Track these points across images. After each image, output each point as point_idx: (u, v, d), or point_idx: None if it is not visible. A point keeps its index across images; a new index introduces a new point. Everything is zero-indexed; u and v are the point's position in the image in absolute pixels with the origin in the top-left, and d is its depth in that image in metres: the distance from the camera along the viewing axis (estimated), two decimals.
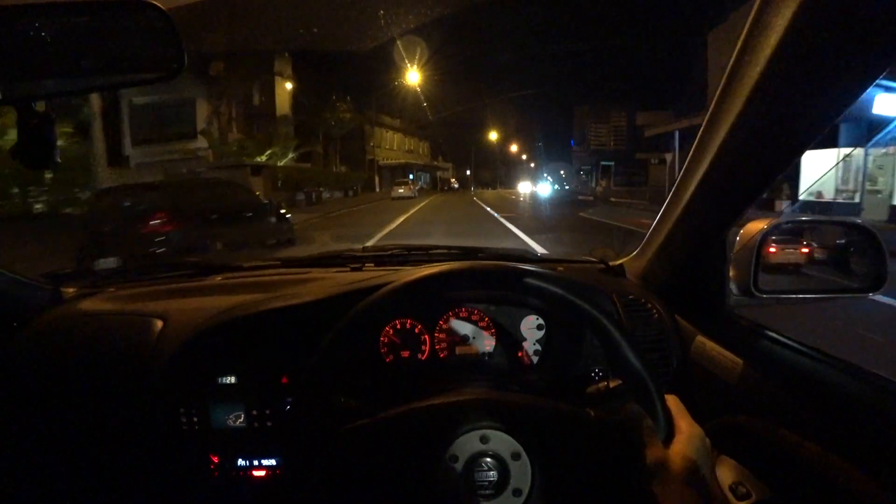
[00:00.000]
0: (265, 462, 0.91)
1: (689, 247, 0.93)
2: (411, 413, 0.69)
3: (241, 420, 0.91)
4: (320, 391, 0.74)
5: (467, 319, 1.00)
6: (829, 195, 12.21)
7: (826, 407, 0.65)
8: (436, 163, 61.99)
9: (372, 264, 1.20)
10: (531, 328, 1.00)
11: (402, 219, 14.77)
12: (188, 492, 0.94)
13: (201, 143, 22.13)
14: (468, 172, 69.05)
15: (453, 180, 56.06)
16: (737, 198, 0.78)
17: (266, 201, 9.82)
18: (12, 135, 0.82)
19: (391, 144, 47.45)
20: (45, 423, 0.93)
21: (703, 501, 0.55)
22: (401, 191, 30.24)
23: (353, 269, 1.16)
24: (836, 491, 0.59)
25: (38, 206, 11.04)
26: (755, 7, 0.54)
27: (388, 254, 1.28)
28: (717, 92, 0.67)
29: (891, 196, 11.05)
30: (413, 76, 36.25)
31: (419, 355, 0.99)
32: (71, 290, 1.13)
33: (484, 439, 0.66)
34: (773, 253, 0.89)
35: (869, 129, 11.75)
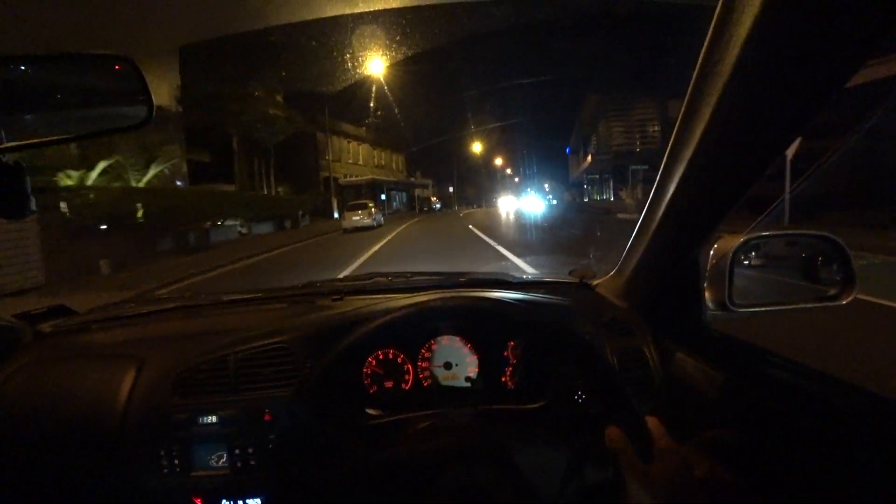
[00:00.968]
0: (249, 502, 0.89)
1: (664, 264, 0.94)
2: (397, 457, 0.69)
3: (224, 460, 0.89)
4: (304, 427, 0.73)
5: (450, 347, 1.00)
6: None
7: (805, 418, 0.66)
8: (413, 179, 51.64)
9: (352, 294, 1.19)
10: (514, 353, 1.00)
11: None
12: None
13: None
14: (451, 189, 60.02)
15: (434, 199, 47.11)
16: (707, 215, 0.80)
17: None
18: None
19: (355, 158, 38.32)
20: (19, 468, 0.90)
21: None
22: (355, 219, 20.35)
23: (335, 301, 1.16)
24: (819, 502, 0.60)
25: None
26: (715, 17, 0.55)
27: (369, 282, 1.28)
28: (681, 111, 0.68)
29: None
30: (377, 68, 26.11)
31: (403, 385, 0.99)
32: (45, 329, 1.10)
33: (469, 472, 0.65)
34: None
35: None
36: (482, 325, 1.00)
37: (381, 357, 0.98)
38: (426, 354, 1.00)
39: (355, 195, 29.82)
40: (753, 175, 0.67)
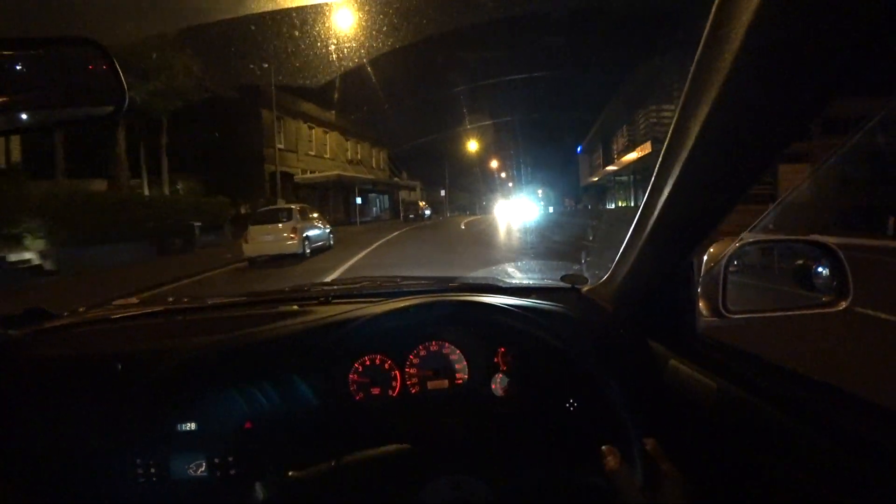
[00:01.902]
0: None
1: (657, 271, 0.93)
2: (378, 458, 0.66)
3: (203, 469, 0.87)
4: (285, 435, 0.71)
5: (438, 353, 0.97)
6: None
7: (799, 427, 0.65)
8: (397, 179, 40.75)
9: (340, 298, 1.16)
10: (503, 360, 0.98)
11: None
12: None
13: None
14: (443, 193, 51.22)
15: (423, 204, 36.34)
16: (701, 222, 0.78)
17: None
18: None
19: (320, 149, 27.33)
20: None
21: None
22: (266, 240, 10.83)
23: (321, 305, 1.13)
24: None
25: None
26: (709, 23, 0.54)
27: (356, 286, 1.25)
28: (675, 117, 0.67)
29: None
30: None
31: (390, 392, 0.96)
32: (22, 332, 1.06)
33: (457, 487, 0.63)
34: None
35: None
36: (472, 330, 0.97)
37: (367, 363, 0.95)
38: (414, 361, 0.97)
39: (319, 199, 23.62)
40: (748, 182, 0.66)
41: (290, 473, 0.65)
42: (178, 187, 17.44)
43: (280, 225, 10.87)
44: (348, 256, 10.64)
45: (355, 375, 0.95)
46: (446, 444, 0.75)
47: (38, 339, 1.05)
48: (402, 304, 0.81)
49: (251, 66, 18.20)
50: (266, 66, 18.53)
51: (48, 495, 0.87)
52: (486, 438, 0.82)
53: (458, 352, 0.97)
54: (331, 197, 26.83)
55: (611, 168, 36.07)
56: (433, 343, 0.97)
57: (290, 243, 10.68)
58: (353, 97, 27.26)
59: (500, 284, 1.25)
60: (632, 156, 28.00)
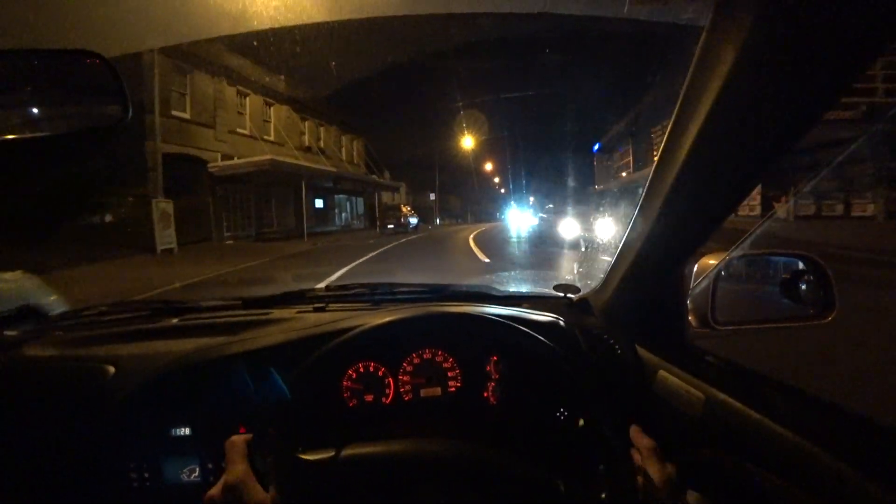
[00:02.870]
0: None
1: (648, 281, 0.94)
2: (373, 456, 0.67)
3: (196, 474, 0.87)
4: (280, 441, 0.71)
5: (431, 361, 0.98)
6: None
7: (786, 438, 0.65)
8: (376, 177, 29.73)
9: (336, 304, 1.17)
10: (496, 368, 0.98)
11: None
12: None
13: None
14: (432, 197, 42.00)
15: (406, 208, 27.16)
16: (693, 233, 0.80)
17: None
18: None
19: (257, 126, 17.94)
20: None
21: None
22: None
23: (317, 310, 1.14)
24: None
25: None
26: (702, 40, 0.55)
27: (352, 293, 1.26)
28: (668, 130, 0.68)
29: None
30: None
31: (383, 399, 0.96)
32: (14, 333, 1.06)
33: (448, 495, 0.64)
34: None
35: None
36: (465, 339, 0.98)
37: (361, 370, 0.96)
38: (408, 368, 0.97)
39: (258, 198, 16.72)
40: (740, 193, 0.67)
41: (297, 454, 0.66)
42: None
43: None
44: None
45: (349, 382, 0.95)
46: (438, 452, 0.76)
47: (30, 339, 1.05)
48: (397, 313, 0.82)
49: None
50: None
51: (40, 499, 0.86)
52: (479, 446, 0.83)
53: (451, 360, 0.98)
54: (274, 197, 18.16)
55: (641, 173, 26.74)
56: (426, 351, 0.98)
57: None
58: (317, 64, 16.80)
59: (493, 293, 1.26)
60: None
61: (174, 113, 13.86)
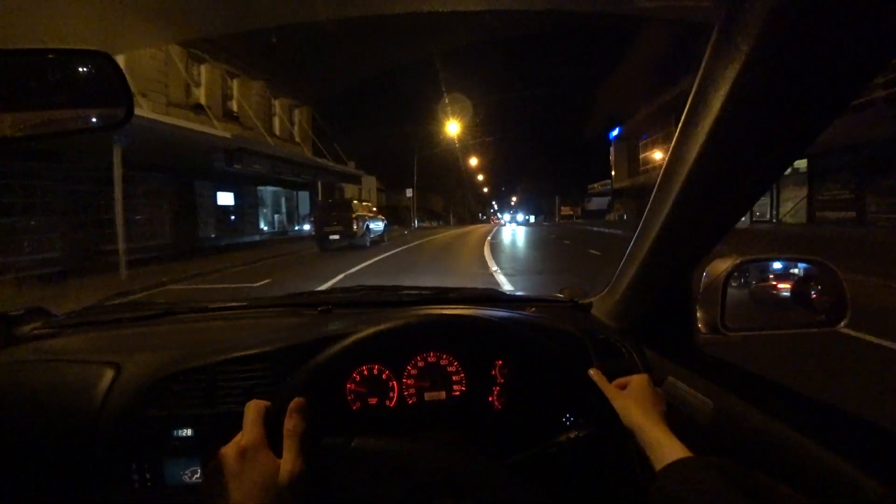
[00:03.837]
0: None
1: (656, 286, 0.93)
2: (379, 483, 0.67)
3: (198, 476, 0.86)
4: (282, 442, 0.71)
5: (436, 364, 0.97)
6: None
7: (797, 446, 0.64)
8: (326, 162, 19.90)
9: (340, 307, 1.17)
10: (502, 373, 0.97)
11: None
12: None
13: None
14: (408, 194, 33.86)
15: (364, 206, 16.48)
16: (703, 237, 0.79)
17: None
18: None
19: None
20: None
21: None
22: None
23: (321, 312, 1.13)
24: None
25: None
26: (710, 45, 0.55)
27: (356, 295, 1.25)
28: (677, 132, 0.68)
29: None
30: None
31: (387, 402, 0.95)
32: (21, 332, 1.06)
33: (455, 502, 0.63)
34: None
35: None
36: (470, 343, 0.97)
37: (365, 372, 0.95)
38: (412, 371, 0.96)
39: (81, 188, 10.42)
40: (751, 197, 0.66)
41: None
42: None
43: None
44: None
45: (352, 385, 0.94)
46: (443, 457, 0.75)
47: (35, 339, 1.05)
48: (402, 315, 0.81)
49: None
50: None
51: (42, 500, 0.86)
52: (484, 451, 0.82)
53: (455, 363, 0.97)
54: (159, 185, 12.87)
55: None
56: (431, 354, 0.97)
57: None
58: None
59: (499, 296, 1.25)
60: None
61: None
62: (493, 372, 0.97)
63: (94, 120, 0.71)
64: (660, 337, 0.97)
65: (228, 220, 15.99)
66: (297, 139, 20.42)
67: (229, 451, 0.62)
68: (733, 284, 0.89)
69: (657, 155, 29.05)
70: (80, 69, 0.68)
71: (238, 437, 0.64)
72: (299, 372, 0.75)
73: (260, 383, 0.89)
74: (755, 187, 0.65)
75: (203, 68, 14.81)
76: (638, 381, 0.79)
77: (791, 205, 18.33)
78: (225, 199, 15.53)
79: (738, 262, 0.88)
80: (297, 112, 21.12)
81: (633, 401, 0.74)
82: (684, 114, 0.63)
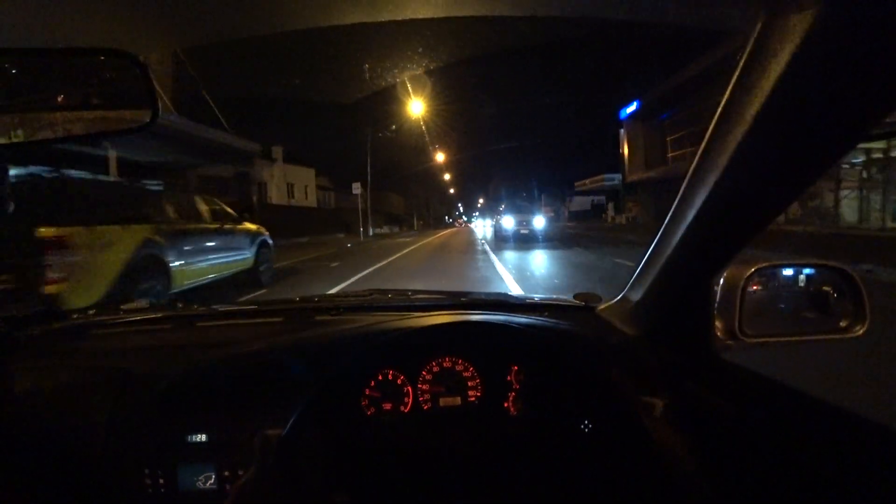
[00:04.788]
0: None
1: (675, 293, 0.93)
2: (396, 488, 0.66)
3: (212, 482, 0.85)
4: (298, 448, 0.70)
5: (451, 370, 0.97)
6: None
7: (816, 453, 0.64)
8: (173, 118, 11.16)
9: (351, 311, 1.16)
10: (517, 378, 0.97)
11: None
12: None
13: None
14: (355, 190, 24.35)
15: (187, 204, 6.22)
16: (726, 246, 0.78)
17: None
18: None
19: None
20: None
21: None
22: None
23: (333, 317, 1.13)
24: None
25: None
26: (746, 53, 0.54)
27: (368, 299, 1.25)
28: (705, 140, 0.67)
29: None
30: None
31: (402, 408, 0.95)
32: (28, 334, 1.06)
33: None
34: None
35: None
36: (485, 348, 0.97)
37: (380, 378, 0.95)
38: (427, 377, 0.96)
39: None
40: (780, 205, 0.66)
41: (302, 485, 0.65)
42: None
43: None
44: None
45: (367, 390, 0.94)
46: (459, 462, 0.74)
47: (44, 341, 1.05)
48: (416, 321, 0.81)
49: None
50: None
51: (49, 501, 0.86)
52: (500, 457, 0.81)
53: (470, 369, 0.97)
54: None
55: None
56: (446, 359, 0.97)
57: None
58: None
59: (513, 301, 1.24)
60: None
61: None
62: (509, 377, 0.97)
63: (120, 122, 0.70)
64: (677, 342, 0.97)
65: None
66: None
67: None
68: (751, 290, 0.89)
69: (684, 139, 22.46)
70: (106, 70, 0.68)
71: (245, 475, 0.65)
72: (315, 378, 0.74)
73: (274, 387, 0.89)
74: (785, 194, 0.64)
75: None
76: None
77: None
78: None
79: (756, 268, 0.88)
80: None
81: None
82: (714, 120, 0.63)
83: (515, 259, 11.76)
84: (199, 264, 5.69)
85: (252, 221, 7.78)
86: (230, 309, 1.23)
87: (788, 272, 0.94)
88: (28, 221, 3.63)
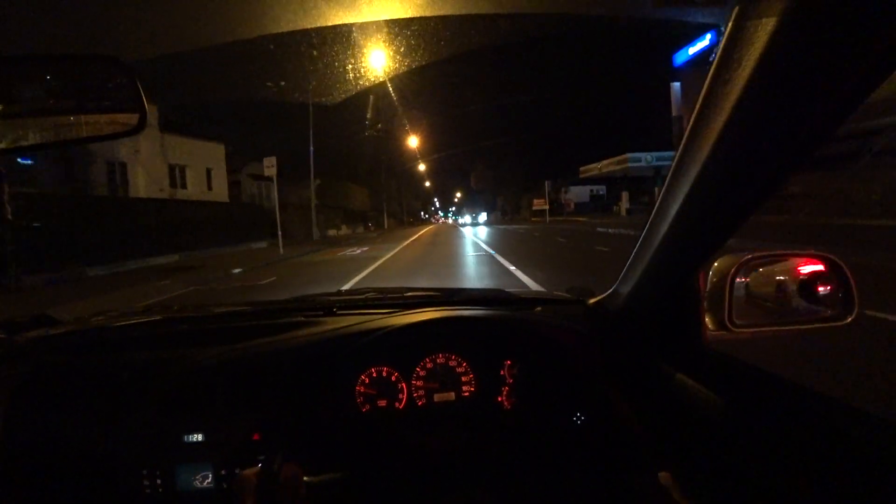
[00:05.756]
0: None
1: (665, 284, 0.93)
2: (388, 469, 0.67)
3: (209, 481, 0.86)
4: (294, 448, 0.71)
5: (445, 365, 0.98)
6: None
7: (808, 442, 0.64)
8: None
9: (346, 310, 1.17)
10: (510, 373, 0.98)
11: None
12: None
13: None
14: (271, 171, 15.02)
15: None
16: (712, 237, 0.79)
17: None
18: None
19: None
20: None
21: None
22: None
23: (328, 316, 1.14)
24: None
25: None
26: (721, 45, 0.55)
27: (362, 298, 1.26)
28: (687, 130, 0.67)
29: None
30: None
31: (396, 404, 0.96)
32: (27, 339, 1.07)
33: (466, 501, 0.63)
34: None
35: None
36: (478, 343, 0.98)
37: (374, 375, 0.96)
38: (421, 373, 0.97)
39: None
40: (763, 195, 0.66)
41: (304, 478, 0.65)
42: None
43: None
44: None
45: (362, 387, 0.95)
46: (454, 458, 0.75)
47: (43, 345, 1.05)
48: (409, 317, 0.82)
49: None
50: None
51: (49, 501, 0.86)
52: (494, 451, 0.82)
53: (464, 364, 0.98)
54: None
55: None
56: (439, 355, 0.98)
57: None
58: None
59: (506, 296, 1.25)
60: None
61: None
62: (502, 372, 0.98)
63: (109, 126, 0.71)
64: (668, 334, 0.97)
65: None
66: None
67: None
68: (740, 281, 0.90)
69: None
70: (95, 75, 0.69)
71: None
72: (308, 375, 0.75)
73: (270, 387, 0.89)
74: (768, 184, 0.65)
75: None
76: None
77: None
78: None
79: (744, 258, 0.88)
80: None
81: None
82: (695, 110, 0.64)
83: None
84: None
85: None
86: (225, 310, 1.23)
87: (777, 262, 0.94)
88: None
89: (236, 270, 12.06)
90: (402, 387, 0.96)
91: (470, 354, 0.98)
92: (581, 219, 31.98)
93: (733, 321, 0.88)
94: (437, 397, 0.96)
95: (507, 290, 1.33)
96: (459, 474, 0.76)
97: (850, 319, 0.88)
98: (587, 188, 43.63)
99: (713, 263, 0.88)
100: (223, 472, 0.86)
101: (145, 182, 17.65)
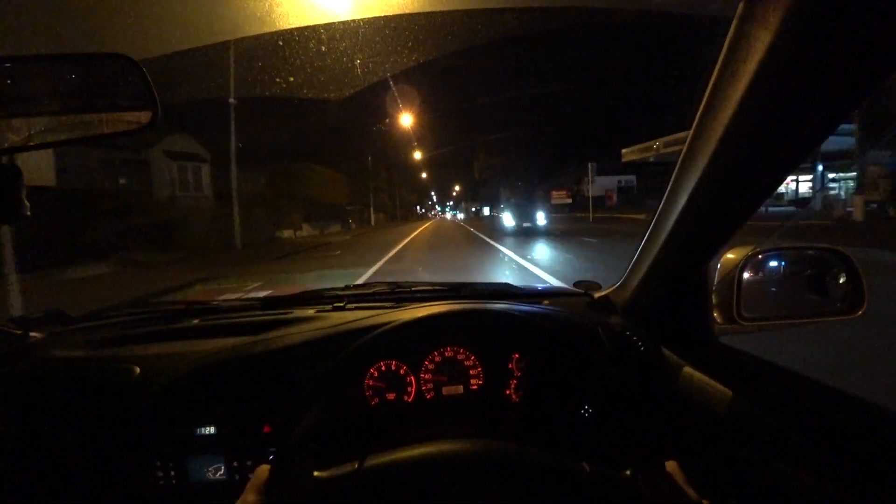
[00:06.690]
0: None
1: (672, 278, 0.93)
2: (397, 464, 0.67)
3: (221, 472, 0.88)
4: (304, 440, 0.72)
5: (453, 358, 0.98)
6: None
7: (816, 435, 0.65)
8: None
9: (355, 304, 1.18)
10: (519, 366, 0.98)
11: None
12: None
13: None
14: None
15: None
16: (720, 228, 0.79)
17: None
18: None
19: None
20: (9, 479, 0.88)
21: None
22: None
23: (336, 309, 1.14)
24: None
25: None
26: (728, 38, 0.55)
27: (371, 292, 1.27)
28: (694, 124, 0.68)
29: None
30: None
31: (405, 397, 0.97)
32: (41, 334, 1.09)
33: (475, 494, 0.64)
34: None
35: None
36: (486, 336, 0.98)
37: (382, 368, 0.96)
38: (429, 366, 0.98)
39: None
40: (769, 188, 0.66)
41: (315, 473, 0.66)
42: None
43: None
44: None
45: (370, 381, 0.96)
46: (462, 451, 0.76)
47: (56, 341, 1.07)
48: (418, 311, 0.82)
49: None
50: None
51: (66, 497, 0.88)
52: (502, 446, 0.83)
53: (472, 357, 0.98)
54: None
55: None
56: (448, 349, 0.98)
57: None
58: None
59: (513, 290, 1.26)
60: None
61: None
62: (511, 365, 0.98)
63: (121, 124, 0.72)
64: (676, 327, 0.97)
65: None
66: None
67: None
68: (748, 274, 0.89)
69: None
70: (105, 73, 0.69)
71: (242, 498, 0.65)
72: (317, 369, 0.76)
73: (280, 380, 0.91)
74: (774, 177, 0.65)
75: None
76: None
77: None
78: None
79: (753, 251, 0.88)
80: None
81: None
82: (702, 104, 0.64)
83: None
84: None
85: None
86: (236, 304, 1.25)
87: (786, 255, 0.94)
88: None
89: None
90: (410, 380, 0.97)
91: (478, 348, 0.98)
92: (637, 215, 24.06)
93: (742, 314, 0.88)
94: (445, 390, 0.97)
95: (514, 284, 1.33)
96: (468, 467, 0.76)
97: (860, 313, 0.87)
98: (615, 178, 36.92)
99: (721, 257, 0.88)
100: (235, 463, 0.87)
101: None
